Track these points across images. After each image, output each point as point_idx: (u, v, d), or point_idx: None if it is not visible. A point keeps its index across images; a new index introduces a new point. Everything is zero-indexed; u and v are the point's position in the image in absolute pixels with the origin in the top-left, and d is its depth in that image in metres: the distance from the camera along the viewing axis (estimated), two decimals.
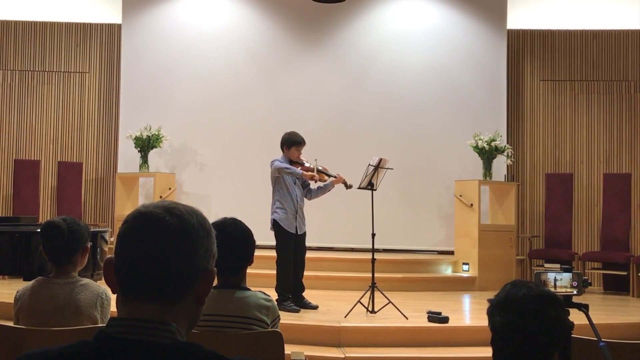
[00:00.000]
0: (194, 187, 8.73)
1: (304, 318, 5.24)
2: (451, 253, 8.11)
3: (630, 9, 8.88)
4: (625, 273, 7.46)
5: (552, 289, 2.21)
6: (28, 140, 9.00)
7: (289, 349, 2.52)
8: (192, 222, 1.14)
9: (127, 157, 8.59)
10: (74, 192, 8.71)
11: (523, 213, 8.88)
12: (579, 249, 8.41)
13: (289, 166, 5.64)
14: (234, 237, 2.35)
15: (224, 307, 2.33)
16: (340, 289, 6.82)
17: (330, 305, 5.77)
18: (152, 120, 8.34)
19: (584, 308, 2.17)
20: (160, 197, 7.90)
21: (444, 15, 8.98)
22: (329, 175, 5.73)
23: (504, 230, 7.84)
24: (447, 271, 7.79)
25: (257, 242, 2.51)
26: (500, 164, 8.29)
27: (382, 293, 5.48)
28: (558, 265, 2.47)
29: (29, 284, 2.64)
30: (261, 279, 5.86)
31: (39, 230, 2.83)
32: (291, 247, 5.60)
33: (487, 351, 1.66)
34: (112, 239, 6.16)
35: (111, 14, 9.11)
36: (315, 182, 5.71)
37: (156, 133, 8.20)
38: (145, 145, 8.21)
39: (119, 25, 9.00)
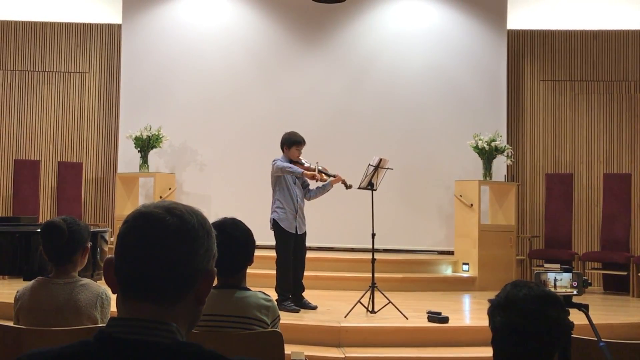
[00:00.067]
0: (194, 187, 8.73)
1: (304, 318, 5.24)
2: (451, 253, 8.12)
3: (630, 9, 8.88)
4: (625, 273, 7.47)
5: (552, 289, 2.21)
6: (28, 140, 9.00)
7: (289, 349, 2.52)
8: (192, 222, 1.14)
9: (127, 157, 8.59)
10: (74, 192, 8.71)
11: (523, 213, 8.88)
12: (579, 249, 8.41)
13: (290, 165, 5.64)
14: (234, 237, 2.35)
15: (224, 307, 2.33)
16: (340, 289, 6.82)
17: (330, 305, 5.77)
18: (152, 120, 8.34)
19: (584, 308, 2.17)
20: (160, 197, 7.90)
21: (444, 15, 8.98)
22: (329, 175, 5.73)
23: (504, 230, 7.84)
24: (447, 271, 7.79)
25: (257, 242, 2.51)
26: (500, 164, 8.30)
27: (382, 293, 5.48)
28: (558, 266, 2.47)
29: (29, 284, 2.64)
30: (261, 279, 5.86)
31: (39, 230, 2.83)
32: (291, 247, 5.60)
33: (487, 351, 1.66)
34: (112, 239, 6.16)
35: (111, 14, 9.11)
36: (317, 181, 5.71)
37: (156, 133, 8.20)
38: (145, 145, 8.21)
39: (119, 26, 9.00)
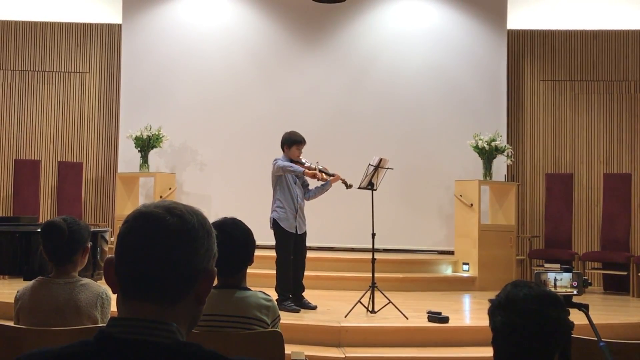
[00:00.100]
0: (194, 187, 8.73)
1: (304, 318, 5.24)
2: (451, 253, 8.12)
3: (630, 9, 8.88)
4: (625, 273, 7.47)
5: (552, 289, 2.21)
6: (28, 140, 9.00)
7: (289, 349, 2.52)
8: (192, 222, 1.14)
9: (127, 157, 8.59)
10: (74, 192, 8.71)
11: (523, 213, 8.88)
12: (579, 249, 8.41)
13: (291, 164, 5.64)
14: (234, 237, 2.35)
15: (224, 307, 2.32)
16: (341, 289, 6.82)
17: (331, 305, 5.77)
18: (152, 120, 8.34)
19: (584, 308, 2.17)
20: (161, 197, 7.90)
21: (444, 15, 8.98)
22: (328, 175, 5.73)
23: (504, 230, 7.84)
24: (447, 271, 7.79)
25: (257, 242, 2.51)
26: (501, 164, 8.30)
27: (382, 293, 5.48)
28: (558, 265, 2.47)
29: (29, 283, 2.63)
30: (261, 279, 5.85)
31: (39, 230, 2.83)
32: (290, 246, 5.60)
33: (487, 351, 1.66)
34: (112, 239, 6.16)
35: (111, 14, 9.11)
36: (318, 180, 5.70)
37: (156, 133, 8.20)
38: (146, 145, 8.21)
39: (119, 26, 9.00)
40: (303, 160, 5.74)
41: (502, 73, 8.88)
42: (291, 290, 5.58)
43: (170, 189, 8.23)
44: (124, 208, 8.08)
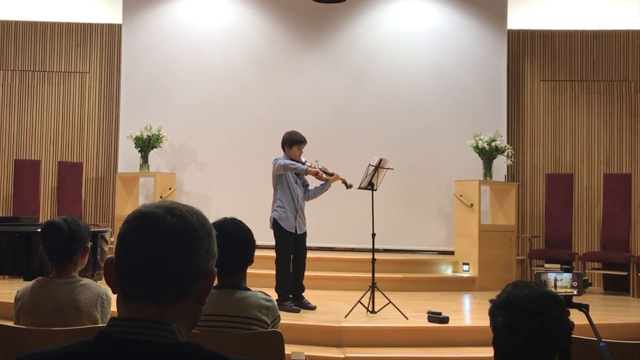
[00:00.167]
0: (194, 187, 8.73)
1: (304, 318, 5.24)
2: (451, 253, 8.12)
3: (630, 9, 8.87)
4: (625, 273, 7.47)
5: (553, 289, 2.21)
6: (28, 140, 9.00)
7: (289, 349, 2.52)
8: (192, 222, 1.14)
9: (128, 157, 8.59)
10: (74, 192, 8.71)
11: (523, 213, 8.87)
12: (579, 249, 8.41)
13: (293, 162, 5.63)
14: (234, 237, 2.35)
15: (224, 307, 2.32)
16: (341, 289, 6.82)
17: (331, 306, 5.77)
18: (152, 120, 8.35)
19: (584, 308, 2.17)
20: (161, 197, 7.91)
21: (444, 15, 8.98)
22: (328, 174, 5.72)
23: (504, 230, 7.84)
24: (448, 271, 7.79)
25: (257, 242, 2.51)
26: (501, 164, 8.30)
27: (382, 293, 5.47)
28: (558, 266, 2.47)
29: (30, 284, 2.64)
30: (261, 279, 5.85)
31: (39, 230, 2.83)
32: (290, 246, 5.60)
33: (488, 351, 1.66)
34: (112, 239, 6.16)
35: (111, 14, 9.11)
36: (320, 178, 5.70)
37: (156, 133, 8.20)
38: (146, 145, 8.21)
39: (119, 26, 9.00)
40: (303, 160, 5.74)
41: (502, 73, 8.88)
42: (291, 291, 5.58)
43: (170, 189, 8.23)
44: (124, 208, 8.08)
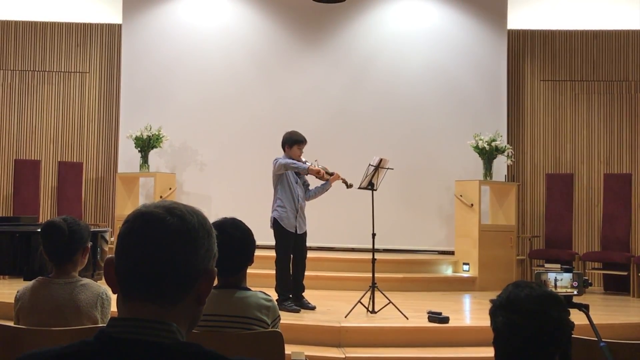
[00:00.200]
0: (194, 187, 8.73)
1: (305, 318, 5.24)
2: (451, 253, 8.11)
3: (630, 9, 8.88)
4: (625, 273, 7.46)
5: (553, 289, 2.20)
6: (28, 140, 9.00)
7: (289, 349, 2.52)
8: (192, 222, 1.14)
9: (128, 157, 8.59)
10: (74, 192, 8.71)
11: (523, 213, 8.87)
12: (579, 249, 8.40)
13: (295, 161, 5.62)
14: (234, 237, 2.35)
15: (224, 307, 2.32)
16: (341, 289, 6.82)
17: (331, 306, 5.76)
18: (152, 120, 8.34)
19: (584, 308, 2.16)
20: (161, 197, 7.90)
21: (444, 15, 8.98)
22: (329, 174, 5.72)
23: (505, 230, 7.84)
24: (448, 271, 7.79)
25: (257, 242, 2.51)
26: (501, 164, 8.30)
27: (382, 293, 5.47)
28: (558, 266, 2.47)
29: (30, 284, 2.63)
30: (261, 279, 5.85)
31: (39, 230, 2.83)
32: (290, 246, 5.60)
33: (488, 351, 1.66)
34: (112, 239, 6.16)
35: (111, 14, 9.11)
36: (321, 177, 5.69)
37: (156, 133, 8.20)
38: (146, 145, 8.21)
39: (119, 26, 9.00)
40: (304, 160, 5.73)
41: (503, 73, 8.88)
42: (291, 290, 5.57)
43: (170, 189, 8.23)
44: (124, 208, 8.07)
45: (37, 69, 9.06)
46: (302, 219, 5.69)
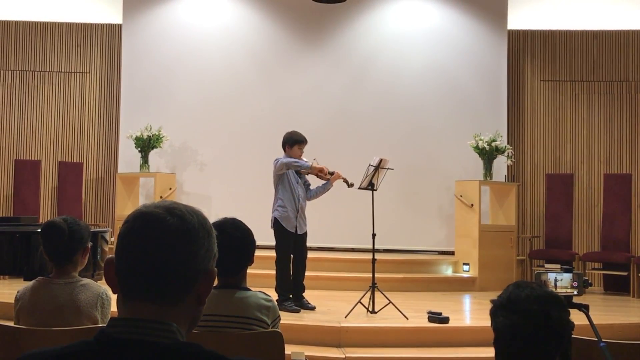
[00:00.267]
0: (195, 187, 8.73)
1: (305, 318, 5.24)
2: (451, 253, 8.11)
3: (630, 9, 8.88)
4: (625, 273, 7.46)
5: (553, 290, 2.20)
6: (28, 141, 9.00)
7: (289, 349, 2.52)
8: (192, 223, 1.14)
9: (128, 157, 8.59)
10: (74, 192, 8.71)
11: (523, 213, 8.87)
12: (579, 250, 8.41)
13: (297, 160, 5.62)
14: (235, 238, 2.35)
15: (224, 307, 2.32)
16: (341, 289, 6.82)
17: (331, 306, 5.76)
18: (152, 120, 8.35)
19: (584, 308, 2.16)
20: (161, 197, 7.91)
21: (444, 15, 8.98)
22: (330, 173, 5.71)
23: (505, 230, 7.84)
24: (448, 271, 7.79)
25: (257, 242, 2.50)
26: (501, 164, 8.30)
27: (382, 293, 5.47)
28: (558, 266, 2.47)
29: (30, 284, 2.64)
30: (261, 279, 5.85)
31: (39, 230, 2.83)
32: (290, 246, 5.59)
33: (488, 351, 1.66)
34: (112, 239, 6.16)
35: (112, 14, 9.11)
36: (323, 176, 5.68)
37: (156, 133, 8.20)
38: (146, 145, 8.21)
39: (120, 26, 9.00)
40: (304, 160, 5.73)
41: (503, 73, 8.88)
42: (291, 291, 5.57)
43: (170, 189, 8.23)
44: (124, 208, 8.07)
45: (37, 69, 9.06)
46: (302, 219, 5.69)
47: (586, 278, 2.32)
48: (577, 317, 1.87)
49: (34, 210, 8.39)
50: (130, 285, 1.12)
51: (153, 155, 8.39)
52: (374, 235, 5.68)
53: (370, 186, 5.68)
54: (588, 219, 8.83)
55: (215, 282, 1.21)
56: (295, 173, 5.69)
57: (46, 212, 8.79)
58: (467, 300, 6.93)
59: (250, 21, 8.96)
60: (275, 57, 8.90)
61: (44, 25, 9.11)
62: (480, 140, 7.92)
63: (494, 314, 1.64)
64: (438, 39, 8.92)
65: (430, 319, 5.16)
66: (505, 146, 8.07)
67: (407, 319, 5.21)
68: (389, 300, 5.41)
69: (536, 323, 1.57)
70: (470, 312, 6.40)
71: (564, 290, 2.26)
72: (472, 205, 7.71)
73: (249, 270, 2.49)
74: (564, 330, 1.62)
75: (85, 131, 9.08)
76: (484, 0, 8.96)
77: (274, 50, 8.92)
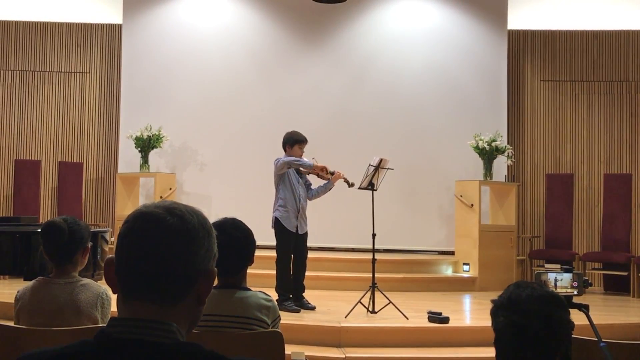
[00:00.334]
0: (195, 187, 8.73)
1: (305, 318, 5.24)
2: (452, 253, 8.11)
3: (630, 9, 8.87)
4: (625, 273, 7.46)
5: (553, 290, 2.20)
6: (28, 141, 9.01)
7: (289, 349, 2.52)
8: (192, 223, 1.14)
9: (128, 157, 8.59)
10: (74, 192, 8.71)
11: (523, 213, 8.87)
12: (579, 250, 8.40)
13: (298, 158, 5.61)
14: (235, 238, 2.35)
15: (224, 307, 2.32)
16: (341, 289, 6.82)
17: (331, 306, 5.76)
18: (152, 120, 8.34)
19: (584, 308, 2.16)
20: (161, 197, 7.90)
21: (444, 15, 8.98)
22: (330, 173, 5.71)
23: (505, 230, 7.84)
24: (448, 271, 7.79)
25: (258, 242, 2.50)
26: (501, 164, 8.29)
27: (382, 293, 5.47)
28: (558, 266, 2.47)
29: (30, 284, 2.63)
30: (261, 279, 5.85)
31: (39, 230, 2.83)
32: (291, 246, 5.59)
33: (488, 351, 1.66)
34: (112, 239, 6.16)
35: (112, 14, 9.11)
36: (323, 177, 5.68)
37: (156, 133, 8.20)
38: (146, 145, 8.21)
39: (120, 26, 9.00)
40: (305, 159, 5.73)
41: (503, 73, 8.88)
42: (292, 291, 5.57)
43: (170, 189, 8.23)
44: (124, 208, 8.07)
45: (37, 69, 9.07)
46: (303, 219, 5.69)
47: (586, 278, 2.32)
48: (577, 317, 1.87)
49: (34, 210, 8.39)
50: (130, 285, 1.12)
51: (153, 155, 8.39)
52: (374, 235, 5.68)
53: (371, 186, 5.68)
54: (588, 219, 8.83)
55: (215, 282, 1.21)
56: (296, 173, 5.69)
57: (46, 212, 8.79)
58: (467, 300, 6.93)
59: (250, 21, 8.96)
60: (275, 57, 8.90)
61: (44, 25, 9.11)
62: (480, 140, 7.92)
63: (494, 314, 1.64)
64: (438, 39, 8.92)
65: (430, 319, 5.16)
66: (505, 146, 8.07)
67: (407, 319, 5.21)
68: (389, 300, 5.40)
69: (537, 323, 1.57)
70: (471, 312, 6.40)
71: (564, 290, 2.26)
72: (472, 205, 7.71)
73: (249, 270, 2.49)
74: (564, 330, 1.62)
75: (85, 131, 9.08)
76: (484, 0, 8.96)
77: (274, 50, 8.92)
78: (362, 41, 8.94)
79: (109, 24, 9.17)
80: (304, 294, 5.67)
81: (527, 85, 9.18)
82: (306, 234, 5.74)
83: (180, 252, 1.12)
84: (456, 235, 7.98)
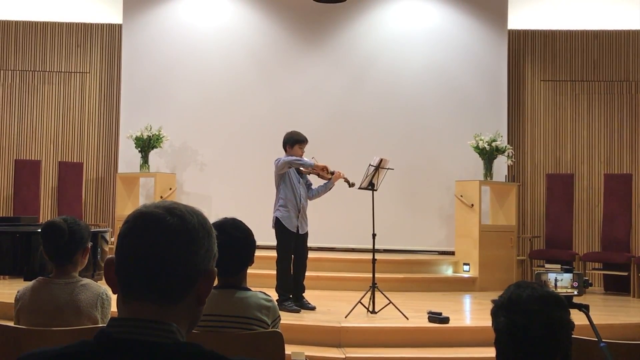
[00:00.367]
0: (195, 187, 8.73)
1: (305, 318, 5.24)
2: (452, 253, 8.11)
3: (630, 9, 8.88)
4: (625, 273, 7.46)
5: (553, 290, 2.20)
6: (28, 141, 9.01)
7: (289, 349, 2.52)
8: (192, 223, 1.14)
9: (128, 157, 8.59)
10: (74, 192, 8.71)
11: (524, 213, 8.87)
12: (579, 250, 8.40)
13: (299, 158, 5.61)
14: (235, 238, 2.35)
15: (224, 307, 2.32)
16: (341, 289, 6.82)
17: (331, 306, 5.76)
18: (152, 120, 8.34)
19: (584, 308, 2.16)
20: (161, 197, 7.90)
21: (444, 15, 8.98)
22: (331, 172, 5.71)
23: (505, 230, 7.84)
24: (448, 271, 7.79)
25: (258, 242, 2.50)
26: (501, 165, 8.29)
27: (382, 293, 5.47)
28: (559, 266, 2.47)
29: (30, 284, 2.63)
30: (261, 279, 5.85)
31: (39, 230, 2.83)
32: (291, 246, 5.59)
33: (488, 352, 1.66)
34: (112, 239, 6.16)
35: (112, 14, 9.11)
36: (324, 177, 5.68)
37: (157, 133, 8.20)
38: (146, 145, 8.21)
39: (120, 26, 9.00)
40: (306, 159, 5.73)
41: (503, 73, 8.88)
42: (292, 291, 5.57)
43: (170, 189, 8.23)
44: (124, 208, 8.07)
45: (37, 69, 9.07)
46: (303, 219, 5.68)
47: (586, 278, 2.32)
48: (577, 317, 1.86)
49: (34, 210, 8.39)
50: (130, 285, 1.12)
51: (153, 155, 8.39)
52: (374, 235, 5.68)
53: (371, 186, 5.68)
54: (588, 219, 8.83)
55: (215, 282, 1.21)
56: (297, 173, 5.69)
57: (46, 212, 8.79)
58: (467, 300, 6.93)
59: (250, 21, 8.96)
60: (275, 57, 8.90)
61: (44, 25, 9.11)
62: (481, 140, 7.92)
63: (495, 314, 1.64)
64: (438, 39, 8.92)
65: (431, 319, 5.16)
66: (506, 146, 8.07)
67: (407, 319, 5.21)
68: (389, 300, 5.40)
69: (537, 323, 1.57)
70: (471, 312, 6.40)
71: (564, 291, 2.26)
72: (472, 205, 7.71)
73: (249, 270, 2.48)
74: (564, 330, 1.62)
75: (85, 131, 9.08)
76: (484, 0, 8.96)
77: (274, 50, 8.92)
78: (362, 41, 8.94)
79: (109, 24, 9.18)
80: (304, 294, 5.67)
81: (528, 85, 9.18)
82: (307, 234, 5.74)
83: (180, 252, 1.12)
84: (456, 235, 7.98)
